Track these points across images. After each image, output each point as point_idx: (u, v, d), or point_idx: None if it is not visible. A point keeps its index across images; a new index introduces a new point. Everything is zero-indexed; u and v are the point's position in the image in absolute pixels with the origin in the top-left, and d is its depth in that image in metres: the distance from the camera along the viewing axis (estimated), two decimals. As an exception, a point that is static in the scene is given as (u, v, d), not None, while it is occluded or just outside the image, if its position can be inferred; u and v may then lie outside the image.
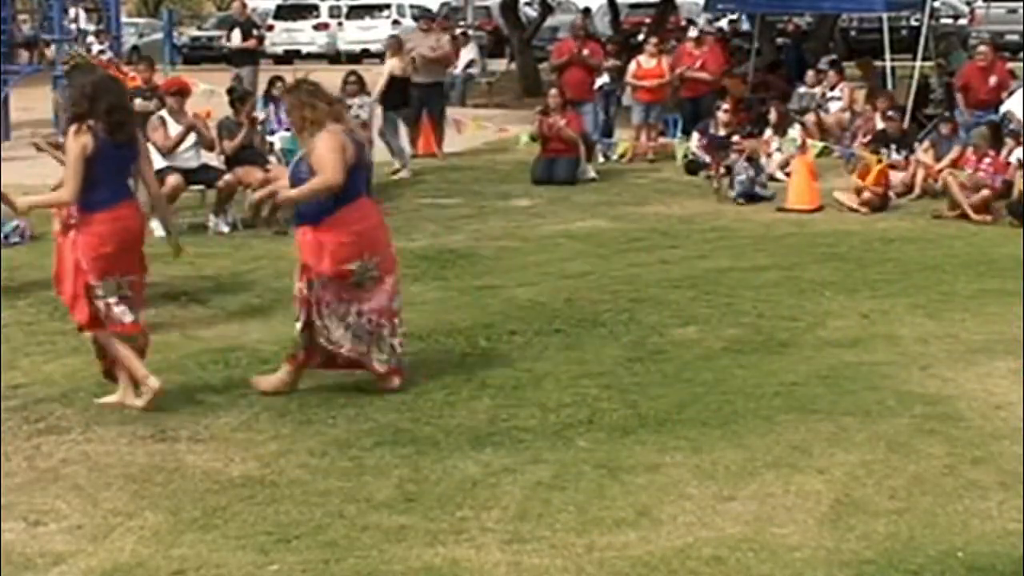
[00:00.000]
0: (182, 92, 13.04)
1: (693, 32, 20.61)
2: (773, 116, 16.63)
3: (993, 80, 17.53)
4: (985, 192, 13.38)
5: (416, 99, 17.99)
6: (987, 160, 13.74)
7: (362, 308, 7.46)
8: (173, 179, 12.42)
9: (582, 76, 17.72)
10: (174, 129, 12.61)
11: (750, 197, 14.45)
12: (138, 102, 14.41)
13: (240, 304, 9.81)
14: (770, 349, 8.48)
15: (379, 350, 7.53)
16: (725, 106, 17.21)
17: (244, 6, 21.98)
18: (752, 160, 14.88)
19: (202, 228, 12.65)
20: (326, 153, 7.25)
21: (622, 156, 17.68)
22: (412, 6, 39.29)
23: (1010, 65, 19.45)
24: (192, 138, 12.68)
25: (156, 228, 12.34)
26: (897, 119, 16.09)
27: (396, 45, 20.24)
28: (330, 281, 7.38)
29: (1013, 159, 13.99)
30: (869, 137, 16.03)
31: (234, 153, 12.98)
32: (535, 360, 8.22)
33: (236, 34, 21.58)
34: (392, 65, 19.58)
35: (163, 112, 12.86)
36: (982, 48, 18.39)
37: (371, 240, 7.48)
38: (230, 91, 14.97)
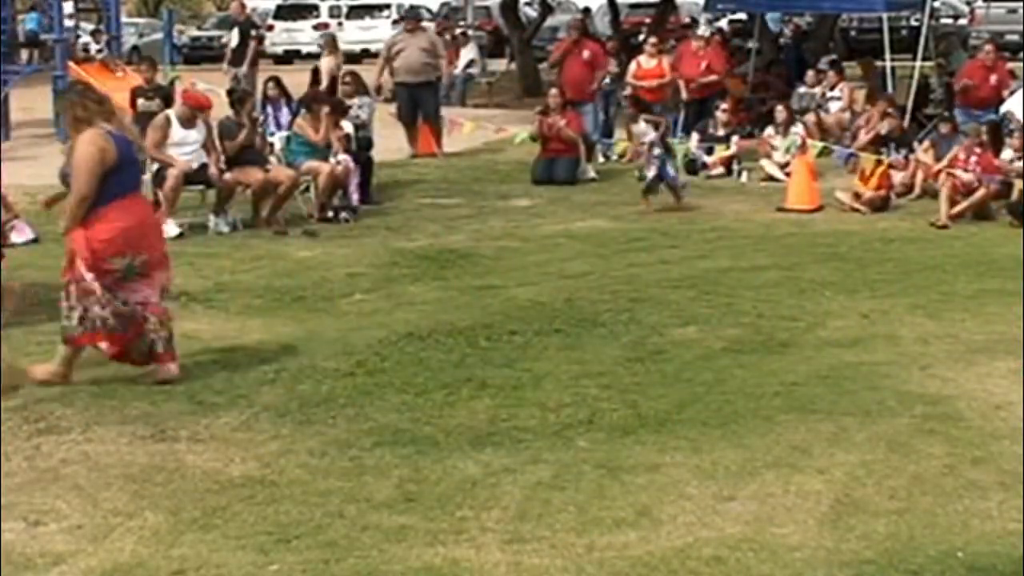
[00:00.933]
0: (200, 108, 12.92)
1: (704, 31, 20.49)
2: (782, 114, 16.59)
3: (993, 79, 17.56)
4: (981, 193, 13.36)
5: (407, 99, 17.96)
6: (974, 158, 13.73)
7: (128, 298, 7.61)
8: (174, 172, 12.38)
9: (582, 76, 17.68)
10: (178, 132, 12.54)
11: (657, 184, 14.06)
12: (140, 102, 14.46)
13: (240, 304, 9.81)
14: (770, 349, 8.48)
15: (142, 340, 7.71)
16: (724, 106, 17.24)
17: (243, 7, 21.98)
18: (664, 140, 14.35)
19: (202, 228, 12.65)
20: (79, 161, 7.42)
21: (622, 156, 17.68)
22: (412, 6, 39.29)
23: (1010, 65, 19.46)
24: (196, 138, 12.65)
25: (168, 229, 12.37)
26: (897, 118, 16.09)
27: (332, 44, 20.24)
28: (96, 274, 7.50)
29: (1009, 159, 14.00)
30: (871, 135, 16.02)
31: (235, 154, 12.96)
32: (535, 360, 8.22)
33: (235, 34, 21.59)
34: (328, 64, 19.60)
35: (170, 112, 12.82)
36: (987, 47, 18.40)
37: (137, 238, 7.59)
38: (230, 92, 14.97)
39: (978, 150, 13.84)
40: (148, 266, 7.66)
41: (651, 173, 14.00)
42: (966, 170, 13.60)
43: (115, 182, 7.42)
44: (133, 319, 7.65)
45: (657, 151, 14.04)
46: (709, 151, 16.60)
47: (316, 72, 19.52)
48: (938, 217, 13.11)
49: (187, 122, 12.59)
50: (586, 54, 17.92)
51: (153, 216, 7.86)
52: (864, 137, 16.22)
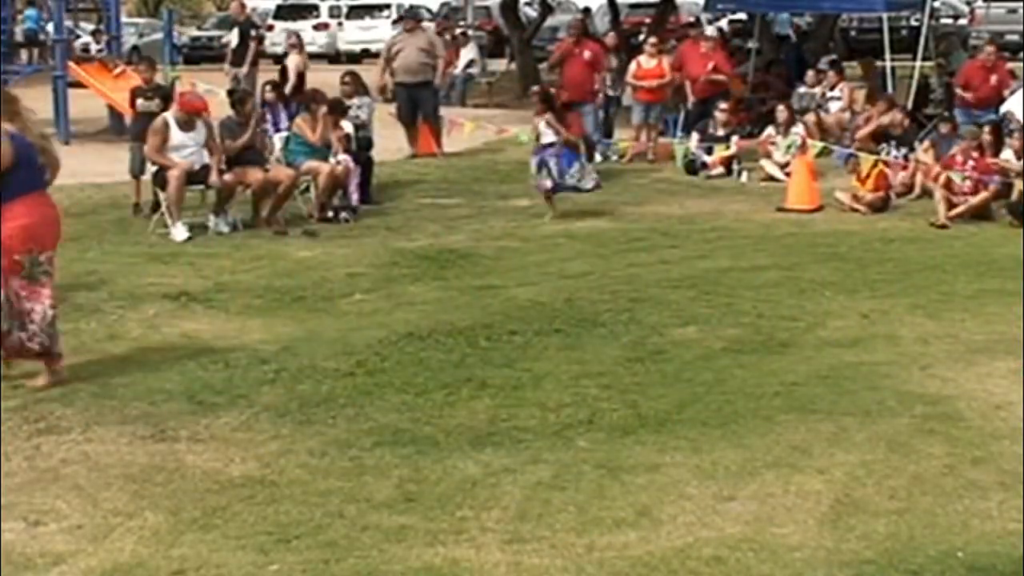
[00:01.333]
0: (196, 112, 12.89)
1: (711, 31, 20.33)
2: (783, 114, 16.57)
3: (994, 79, 17.55)
4: (982, 195, 13.36)
5: (406, 100, 17.93)
6: (971, 161, 13.72)
7: (46, 306, 7.68)
8: (174, 174, 12.35)
9: (583, 77, 17.62)
10: (176, 136, 12.52)
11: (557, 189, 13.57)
12: (140, 102, 14.41)
13: (240, 304, 9.81)
14: (770, 349, 8.48)
15: (58, 337, 7.82)
16: (723, 106, 17.20)
17: (243, 7, 21.96)
18: (571, 144, 13.75)
19: (202, 228, 12.64)
20: None
21: (622, 156, 17.64)
22: (412, 6, 39.30)
23: (1010, 65, 19.46)
24: (195, 139, 12.64)
25: (177, 233, 12.34)
26: (899, 114, 16.10)
27: (298, 42, 20.24)
28: (9, 275, 7.56)
29: (1010, 159, 14.00)
30: (873, 127, 16.01)
31: (236, 153, 12.95)
32: (535, 360, 8.22)
33: (235, 34, 21.59)
34: (296, 63, 19.58)
35: (168, 115, 12.78)
36: (988, 48, 18.39)
37: (40, 235, 7.64)
38: (231, 92, 14.95)
39: (975, 153, 13.83)
40: (52, 263, 7.75)
41: (547, 184, 13.51)
42: (963, 172, 13.59)
43: (14, 181, 7.47)
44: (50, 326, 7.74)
45: (550, 160, 13.49)
46: (709, 151, 16.59)
47: (284, 71, 19.48)
48: (937, 217, 13.12)
49: (185, 125, 12.56)
50: (587, 55, 17.83)
51: (56, 216, 7.91)
52: (866, 128, 16.21)
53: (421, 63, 17.86)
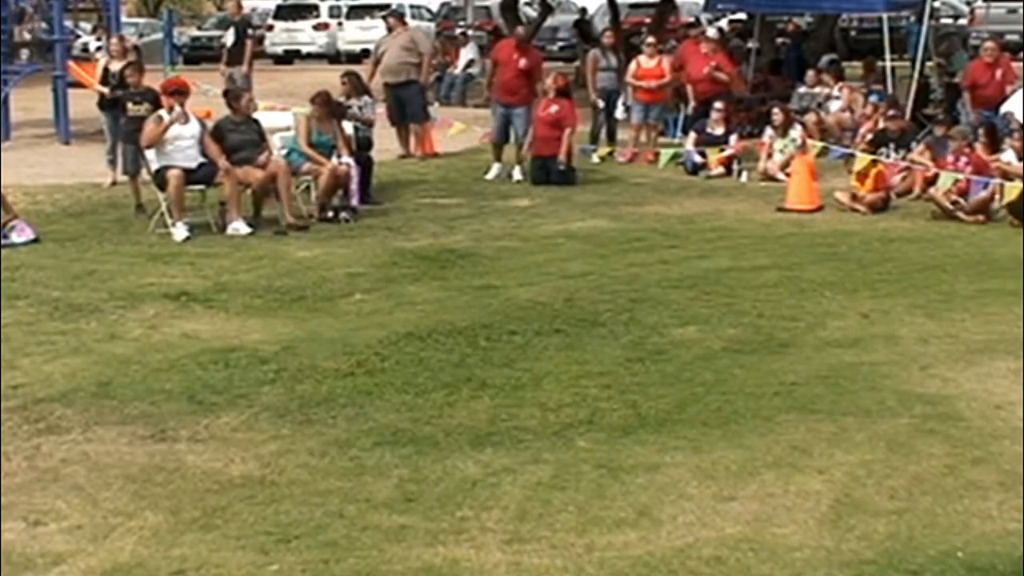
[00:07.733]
0: (181, 91, 12.97)
1: (712, 32, 20.26)
2: (779, 117, 16.55)
3: (999, 75, 17.47)
4: (983, 194, 13.36)
5: (393, 100, 17.87)
6: (964, 159, 13.73)
7: None
8: (174, 173, 12.35)
9: (519, 81, 16.76)
10: (172, 129, 12.53)
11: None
12: (129, 106, 14.35)
13: (240, 304, 9.81)
14: (770, 349, 8.48)
15: None
16: (718, 105, 17.16)
17: (239, 7, 21.94)
18: None
19: (202, 228, 12.62)
20: None
21: (602, 160, 17.50)
22: (412, 6, 39.27)
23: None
24: (192, 132, 12.64)
25: (177, 232, 12.34)
26: (900, 118, 16.09)
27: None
28: None
29: (1011, 159, 14.00)
30: (871, 136, 16.02)
31: (233, 153, 12.93)
32: (535, 360, 8.22)
33: (230, 34, 21.58)
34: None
35: (162, 112, 12.78)
36: (988, 44, 18.30)
37: None
38: (226, 92, 14.89)
39: (967, 150, 13.81)
40: None
41: None
42: (958, 171, 13.57)
43: None
44: None
45: None
46: (703, 152, 16.57)
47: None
48: (936, 210, 13.20)
49: (180, 117, 12.61)
50: (523, 62, 17.15)
51: None
52: (867, 125, 16.20)
53: (402, 63, 17.76)
